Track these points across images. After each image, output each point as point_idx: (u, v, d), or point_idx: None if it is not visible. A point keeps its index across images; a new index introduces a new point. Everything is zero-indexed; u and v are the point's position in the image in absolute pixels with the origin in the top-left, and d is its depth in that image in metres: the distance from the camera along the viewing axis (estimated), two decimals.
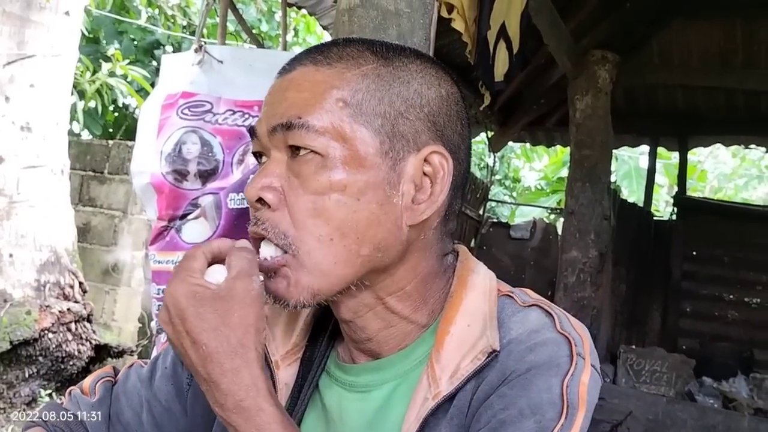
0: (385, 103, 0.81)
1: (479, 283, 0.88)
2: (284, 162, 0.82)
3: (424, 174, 0.82)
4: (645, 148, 7.99)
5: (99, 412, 1.01)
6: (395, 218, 0.81)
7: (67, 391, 1.07)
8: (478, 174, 8.01)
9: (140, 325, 6.27)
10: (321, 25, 3.62)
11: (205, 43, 2.36)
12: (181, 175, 2.27)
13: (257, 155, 0.87)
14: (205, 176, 2.26)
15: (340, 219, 0.79)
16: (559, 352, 0.79)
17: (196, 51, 2.33)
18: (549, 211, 10.98)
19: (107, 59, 7.49)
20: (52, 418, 1.01)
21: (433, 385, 0.80)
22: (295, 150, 0.81)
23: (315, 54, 0.85)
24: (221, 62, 2.34)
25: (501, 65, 2.89)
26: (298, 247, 0.80)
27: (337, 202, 0.79)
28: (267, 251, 0.82)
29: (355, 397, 0.88)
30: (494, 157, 6.05)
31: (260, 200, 0.81)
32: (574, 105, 4.30)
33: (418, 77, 0.84)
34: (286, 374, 0.91)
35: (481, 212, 5.80)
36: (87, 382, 1.05)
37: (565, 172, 11.99)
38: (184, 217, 2.28)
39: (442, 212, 0.85)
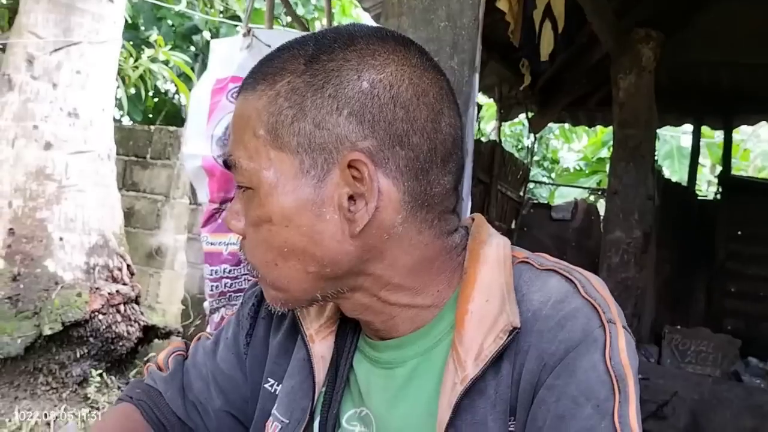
0: (299, 120, 0.78)
1: (492, 254, 0.86)
2: (240, 192, 0.85)
3: (356, 179, 0.79)
4: (686, 128, 7.89)
5: (173, 385, 1.06)
6: (332, 234, 0.80)
7: (146, 367, 1.12)
8: (517, 155, 7.97)
9: (183, 307, 6.37)
10: (363, 7, 3.63)
11: (251, 27, 2.39)
12: None
13: None
14: None
15: (277, 246, 0.81)
16: (590, 323, 0.78)
17: (244, 35, 2.35)
18: (589, 191, 10.88)
19: (148, 45, 7.57)
20: (137, 393, 1.06)
21: (459, 369, 0.80)
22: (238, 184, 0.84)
23: (249, 77, 0.84)
24: (269, 46, 2.36)
25: (546, 45, 2.87)
26: (257, 270, 0.86)
27: (269, 231, 0.81)
28: None
29: (381, 373, 0.90)
30: (534, 138, 6.00)
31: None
32: (618, 84, 4.25)
33: (333, 78, 0.79)
34: (322, 348, 0.93)
35: (521, 193, 5.77)
36: (161, 357, 1.11)
37: (604, 153, 11.89)
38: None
39: (403, 206, 0.81)
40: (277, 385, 0.98)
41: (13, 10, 5.58)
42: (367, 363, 0.92)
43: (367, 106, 0.78)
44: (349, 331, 0.95)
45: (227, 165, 0.83)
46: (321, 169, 0.79)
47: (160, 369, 1.09)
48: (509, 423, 0.79)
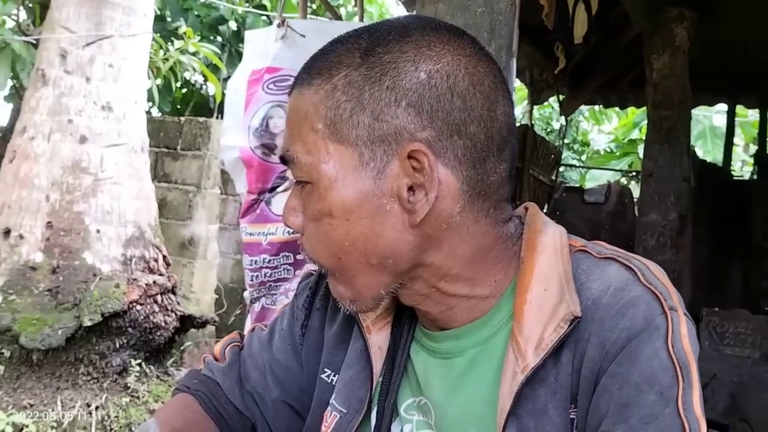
0: (358, 112, 0.79)
1: (549, 242, 0.86)
2: (299, 186, 0.86)
3: (416, 170, 0.79)
4: (718, 108, 7.78)
5: (231, 376, 1.08)
6: (392, 225, 0.81)
7: (202, 357, 1.13)
8: (546, 138, 7.92)
9: (216, 296, 6.43)
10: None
11: (285, 17, 2.40)
12: (269, 148, 2.32)
13: None
14: None
15: (338, 240, 0.82)
16: (652, 311, 0.77)
17: (278, 26, 2.36)
18: (621, 173, 10.78)
19: (176, 36, 7.61)
20: (195, 383, 1.08)
21: (520, 358, 0.80)
22: (297, 179, 0.85)
23: (303, 72, 0.85)
24: (303, 36, 2.37)
25: (580, 27, 2.85)
26: (323, 266, 0.87)
27: (330, 225, 0.82)
28: None
29: (440, 363, 0.90)
30: (565, 120, 5.96)
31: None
32: (651, 65, 4.19)
33: (390, 70, 0.79)
34: (379, 338, 0.94)
35: (553, 177, 5.74)
36: (218, 348, 1.12)
37: (636, 134, 11.76)
38: (273, 189, 2.34)
39: (461, 195, 0.82)
40: (334, 376, 0.99)
41: (43, 6, 5.63)
42: (425, 353, 0.92)
43: (425, 97, 0.79)
44: (405, 322, 0.95)
45: (284, 161, 0.84)
46: (380, 160, 0.79)
47: (216, 360, 1.11)
48: (570, 411, 0.80)
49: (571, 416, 0.79)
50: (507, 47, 1.87)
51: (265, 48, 2.38)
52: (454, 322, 0.88)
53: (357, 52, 0.81)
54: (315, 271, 1.10)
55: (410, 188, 0.80)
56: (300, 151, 0.81)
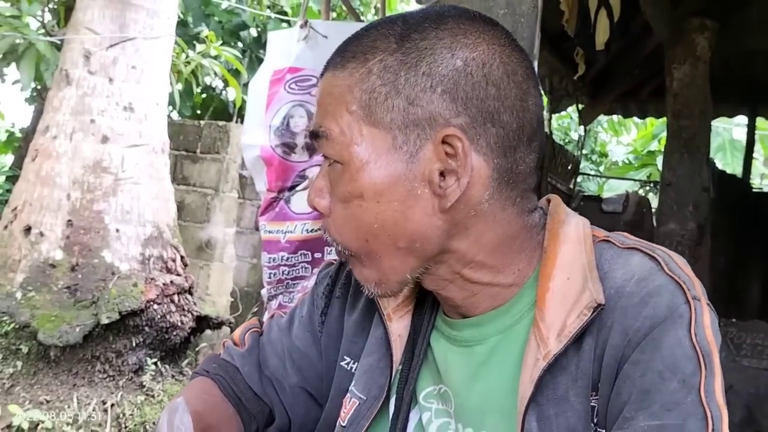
0: (393, 96, 0.80)
1: (572, 233, 0.87)
2: (327, 166, 0.86)
3: (449, 155, 0.80)
4: (738, 120, 7.74)
5: (250, 361, 1.09)
6: (422, 209, 0.81)
7: (221, 342, 1.15)
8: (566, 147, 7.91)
9: (232, 299, 6.45)
10: (417, 2, 3.63)
11: (308, 19, 2.42)
12: (289, 147, 2.34)
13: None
14: (312, 148, 2.33)
15: (367, 222, 0.82)
16: (675, 300, 0.78)
17: (301, 27, 2.38)
18: (639, 184, 10.73)
19: (198, 41, 7.67)
20: (213, 367, 1.09)
21: (542, 345, 0.81)
22: (327, 158, 0.85)
23: (336, 55, 0.86)
24: (326, 37, 2.38)
25: (602, 34, 2.84)
26: (347, 248, 0.86)
27: (359, 207, 0.82)
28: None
29: (460, 351, 0.91)
30: (584, 130, 5.94)
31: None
32: (672, 74, 4.18)
33: (426, 56, 0.80)
34: (399, 326, 0.95)
35: (571, 186, 5.72)
36: (237, 333, 1.13)
37: (654, 146, 11.72)
38: (292, 188, 2.35)
39: (490, 183, 0.82)
40: (354, 363, 1.00)
41: (68, 7, 5.70)
42: (445, 341, 0.93)
43: (460, 84, 0.80)
44: (426, 310, 0.96)
45: (315, 135, 0.84)
46: (414, 144, 0.80)
47: (236, 345, 1.12)
48: (591, 398, 0.80)
49: (592, 404, 0.80)
50: (529, 50, 1.87)
51: (288, 48, 2.40)
52: (476, 309, 0.89)
53: (392, 37, 0.82)
54: (335, 260, 1.11)
55: (441, 173, 0.80)
56: (333, 129, 0.82)
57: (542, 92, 0.92)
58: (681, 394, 0.74)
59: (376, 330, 0.98)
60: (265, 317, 2.44)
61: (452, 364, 0.91)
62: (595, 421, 0.79)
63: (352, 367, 1.00)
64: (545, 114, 5.72)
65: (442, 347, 0.93)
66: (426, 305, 0.96)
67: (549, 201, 0.93)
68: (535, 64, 1.93)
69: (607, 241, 0.87)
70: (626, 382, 0.77)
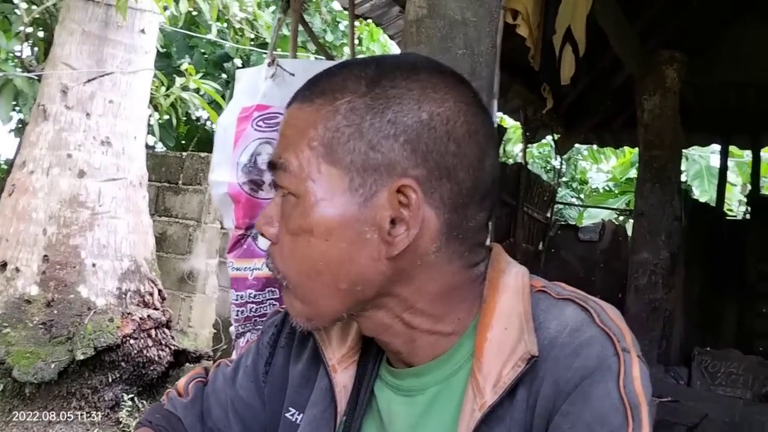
0: (356, 139, 0.80)
1: (511, 283, 0.88)
2: (280, 197, 0.86)
3: (402, 204, 0.80)
4: (716, 147, 7.81)
5: (192, 412, 1.08)
6: (369, 253, 0.81)
7: (166, 392, 1.13)
8: (544, 176, 7.95)
9: (215, 331, 6.42)
10: (387, 34, 3.70)
11: (276, 56, 2.45)
12: (256, 185, 2.35)
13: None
14: None
15: (313, 259, 0.82)
16: (605, 351, 0.78)
17: (269, 65, 2.40)
18: (618, 212, 10.80)
19: (180, 73, 7.72)
20: (157, 418, 1.08)
21: (478, 395, 0.81)
22: (282, 188, 0.84)
23: (305, 88, 0.85)
24: (293, 75, 2.41)
25: (567, 68, 2.89)
26: (287, 280, 0.86)
27: (307, 243, 0.82)
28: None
29: (402, 401, 0.90)
30: (561, 159, 6.00)
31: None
32: (642, 105, 4.25)
33: (394, 104, 0.81)
34: (344, 377, 0.94)
35: (548, 215, 5.76)
36: (182, 383, 1.12)
37: (633, 173, 11.78)
38: None
39: (439, 236, 0.83)
40: (298, 414, 0.99)
41: (48, 42, 5.73)
42: (389, 390, 0.93)
43: (422, 137, 0.80)
44: (370, 360, 0.96)
45: (274, 166, 0.84)
46: (369, 189, 0.80)
47: (180, 395, 1.11)
48: None
49: None
50: (488, 88, 1.90)
51: (256, 86, 2.42)
52: (416, 356, 0.89)
53: (363, 80, 0.82)
54: (282, 308, 1.12)
55: (392, 221, 0.81)
56: (292, 162, 0.82)
57: (499, 154, 0.93)
58: None
59: (321, 381, 0.97)
60: (233, 355, 2.44)
61: (395, 414, 0.91)
62: None
63: (297, 419, 0.99)
64: (520, 144, 5.79)
65: (385, 396, 0.93)
66: (371, 355, 0.96)
67: (490, 249, 0.93)
68: (495, 102, 1.97)
69: (544, 292, 0.88)
70: None
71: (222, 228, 6.55)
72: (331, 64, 2.90)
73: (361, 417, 0.93)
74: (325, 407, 0.94)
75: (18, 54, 6.07)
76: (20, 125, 7.90)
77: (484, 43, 1.89)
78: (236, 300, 2.36)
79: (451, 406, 0.86)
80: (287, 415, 1.00)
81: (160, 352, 4.62)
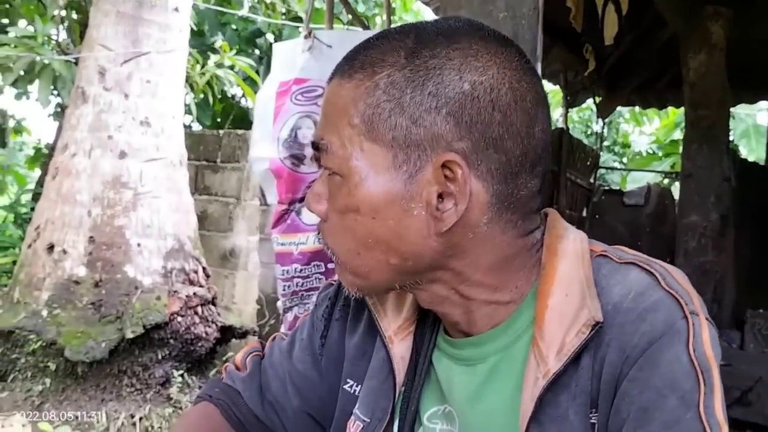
0: (397, 114, 0.78)
1: (570, 248, 0.86)
2: (326, 175, 0.85)
3: (448, 179, 0.79)
4: (764, 105, 7.62)
5: (251, 385, 1.08)
6: (418, 229, 0.80)
7: (224, 366, 1.14)
8: (585, 141, 7.83)
9: (258, 306, 6.48)
10: (422, 1, 3.63)
11: (312, 29, 2.41)
12: (298, 159, 2.33)
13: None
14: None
15: (361, 236, 0.82)
16: (672, 315, 0.76)
17: (305, 37, 2.37)
18: (663, 175, 10.62)
19: (213, 51, 7.72)
20: (216, 392, 1.09)
21: (541, 363, 0.80)
22: (327, 168, 0.84)
23: (344, 64, 0.84)
24: (330, 47, 2.38)
25: (610, 29, 2.81)
26: (337, 256, 0.86)
27: (355, 221, 0.81)
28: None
29: (462, 370, 0.90)
30: (603, 123, 5.89)
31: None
32: (687, 64, 4.13)
33: (434, 76, 0.78)
34: (401, 348, 0.94)
35: (591, 180, 5.68)
36: (239, 357, 1.13)
37: (678, 135, 11.58)
38: (303, 199, 2.35)
39: (490, 208, 0.81)
40: (357, 386, 0.99)
41: (83, 25, 5.77)
42: (447, 360, 0.92)
43: (466, 108, 0.78)
44: (427, 331, 0.95)
45: (316, 147, 0.84)
46: (414, 165, 0.79)
47: (237, 369, 1.12)
48: (591, 415, 0.79)
49: (592, 421, 0.79)
50: (531, 51, 1.85)
51: (293, 59, 2.40)
52: (474, 326, 0.88)
53: (402, 51, 0.80)
54: (335, 281, 1.11)
55: (440, 195, 0.79)
56: (335, 142, 0.81)
57: (550, 116, 0.90)
58: (680, 411, 0.73)
59: (378, 353, 0.97)
60: (281, 329, 2.45)
61: (455, 384, 0.90)
62: None
63: (355, 390, 0.99)
64: (561, 109, 5.69)
65: (444, 366, 0.92)
66: (427, 325, 0.95)
67: (546, 215, 0.92)
68: (539, 66, 1.92)
69: (605, 256, 0.86)
70: (625, 400, 0.76)
71: (261, 204, 6.58)
72: (368, 34, 2.86)
73: (420, 387, 0.93)
74: (384, 378, 0.94)
75: (54, 37, 6.14)
76: (58, 109, 8.00)
77: (526, 4, 1.85)
78: (282, 275, 2.36)
79: (512, 374, 0.85)
80: (345, 386, 1.01)
81: (207, 328, 4.68)
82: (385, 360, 0.95)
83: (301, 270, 2.36)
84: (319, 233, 0.88)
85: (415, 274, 0.84)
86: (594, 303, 0.80)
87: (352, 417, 0.96)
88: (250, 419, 1.07)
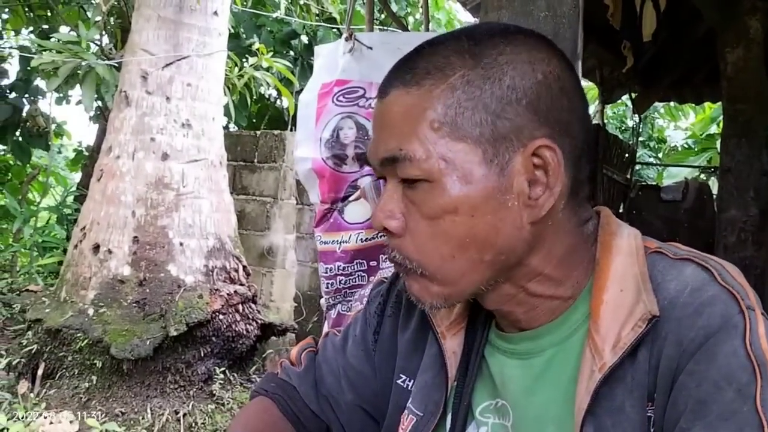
0: (480, 111, 0.80)
1: (624, 245, 0.87)
2: (400, 187, 0.85)
3: (536, 167, 0.82)
4: None
5: (306, 380, 1.12)
6: (513, 221, 0.82)
7: (278, 362, 1.18)
8: (621, 137, 7.77)
9: (296, 304, 6.54)
10: (459, 1, 3.66)
11: (353, 30, 2.46)
12: (340, 159, 2.38)
13: (380, 178, 0.90)
14: (362, 159, 2.36)
15: (459, 237, 0.82)
16: (729, 310, 0.77)
17: (346, 39, 2.42)
18: (699, 170, 10.50)
19: (250, 53, 7.81)
20: (272, 387, 1.13)
21: (597, 357, 0.81)
22: (406, 179, 0.84)
23: (404, 73, 0.84)
24: (371, 48, 2.41)
25: (648, 25, 2.82)
26: (425, 267, 0.85)
27: (452, 222, 0.81)
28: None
29: (516, 364, 0.92)
30: (639, 118, 5.84)
31: (385, 228, 0.87)
32: (725, 58, 4.10)
33: (509, 70, 0.81)
34: (453, 343, 0.96)
35: (628, 176, 5.64)
36: (294, 353, 1.17)
37: (714, 129, 11.42)
38: (345, 198, 2.39)
39: (566, 193, 0.84)
40: (410, 381, 1.02)
41: (124, 30, 5.88)
42: (501, 355, 0.94)
43: (542, 97, 0.82)
44: (479, 326, 0.97)
45: (394, 159, 0.83)
46: (503, 157, 0.81)
47: (293, 364, 1.15)
48: (647, 408, 0.81)
49: (648, 414, 0.80)
50: (572, 50, 1.87)
51: (334, 61, 2.44)
52: (535, 322, 0.90)
53: (467, 53, 0.83)
54: (386, 278, 1.14)
55: (529, 184, 0.82)
56: (417, 149, 0.81)
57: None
58: (737, 403, 0.74)
59: (430, 348, 1.00)
60: (325, 327, 2.50)
61: (510, 378, 0.92)
62: (652, 431, 0.80)
63: (408, 385, 1.02)
64: (597, 105, 5.67)
65: (497, 361, 0.94)
66: (479, 321, 0.98)
67: (599, 213, 0.94)
68: (579, 64, 1.94)
69: (660, 252, 0.88)
70: (682, 393, 0.77)
71: (298, 204, 6.65)
72: (408, 35, 2.90)
73: (473, 382, 0.95)
74: (436, 373, 0.97)
75: (97, 43, 6.25)
76: (98, 112, 8.14)
77: (567, 3, 1.86)
78: (325, 273, 2.41)
79: (568, 368, 0.87)
80: (398, 381, 1.04)
81: (248, 326, 4.75)
82: (438, 355, 0.97)
83: (343, 268, 2.40)
84: (393, 251, 0.88)
85: (503, 271, 0.86)
86: (650, 298, 0.81)
87: (406, 411, 0.99)
88: (306, 413, 1.10)
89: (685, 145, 13.11)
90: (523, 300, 0.89)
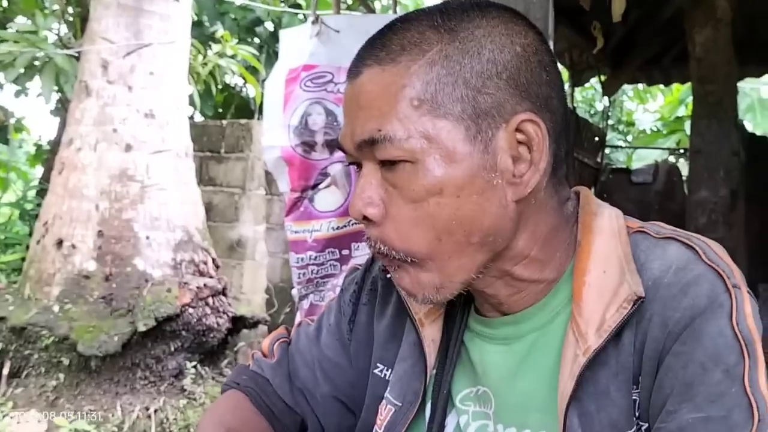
0: (460, 86, 0.77)
1: (606, 225, 0.86)
2: (378, 172, 0.81)
3: (519, 143, 0.79)
4: (766, 79, 7.56)
5: (280, 372, 1.08)
6: (499, 199, 0.79)
7: (250, 354, 1.14)
8: (590, 120, 7.79)
9: (267, 296, 6.49)
10: None
11: (319, 14, 2.39)
12: (309, 146, 2.33)
13: (352, 164, 0.86)
14: (332, 145, 2.31)
15: (445, 220, 0.78)
16: (715, 289, 0.76)
17: (313, 23, 2.36)
18: (669, 152, 10.59)
19: (213, 41, 7.69)
20: (244, 380, 1.08)
21: (581, 340, 0.79)
22: (386, 162, 0.79)
23: (377, 50, 0.80)
24: (338, 32, 2.36)
25: (618, 5, 2.78)
26: (412, 254, 0.81)
27: (437, 205, 0.78)
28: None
29: (498, 350, 0.89)
30: (608, 100, 5.85)
31: (365, 217, 0.82)
32: (693, 39, 4.10)
33: (487, 43, 0.78)
34: (432, 331, 0.93)
35: (598, 159, 5.65)
36: (265, 344, 1.12)
37: (682, 111, 11.55)
38: (315, 186, 2.35)
39: (548, 170, 0.81)
40: (387, 370, 0.99)
41: (83, 18, 5.73)
42: (480, 340, 0.91)
43: (521, 70, 0.79)
44: (458, 312, 0.94)
45: (372, 142, 0.79)
46: (486, 133, 0.78)
47: (265, 356, 1.11)
48: (632, 392, 0.79)
49: (634, 397, 0.79)
50: (543, 30, 1.84)
51: (301, 46, 2.39)
52: (517, 306, 0.87)
53: (442, 28, 0.79)
54: (360, 265, 1.10)
55: (513, 161, 0.79)
56: (397, 129, 0.77)
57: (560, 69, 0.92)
58: (725, 384, 0.72)
59: (408, 336, 0.97)
60: (297, 317, 2.44)
61: (491, 364, 0.90)
62: (637, 414, 0.78)
63: (385, 374, 0.99)
64: (568, 89, 5.66)
65: (478, 347, 0.92)
66: (458, 306, 0.94)
67: (578, 193, 0.91)
68: (551, 44, 1.90)
69: (642, 232, 0.85)
70: (668, 375, 0.76)
71: (267, 194, 6.58)
72: (377, 17, 2.84)
73: (452, 369, 0.92)
74: (415, 361, 0.94)
75: (56, 32, 6.10)
76: (58, 105, 7.96)
77: None
78: (297, 263, 2.36)
79: (550, 352, 0.84)
80: (376, 371, 1.00)
81: (219, 319, 4.67)
82: (416, 343, 0.94)
83: (315, 257, 2.35)
84: (375, 242, 0.83)
85: (493, 253, 0.82)
86: (634, 278, 0.79)
87: (384, 401, 0.96)
88: (280, 406, 1.06)
89: (654, 128, 13.24)
90: (508, 282, 0.86)
